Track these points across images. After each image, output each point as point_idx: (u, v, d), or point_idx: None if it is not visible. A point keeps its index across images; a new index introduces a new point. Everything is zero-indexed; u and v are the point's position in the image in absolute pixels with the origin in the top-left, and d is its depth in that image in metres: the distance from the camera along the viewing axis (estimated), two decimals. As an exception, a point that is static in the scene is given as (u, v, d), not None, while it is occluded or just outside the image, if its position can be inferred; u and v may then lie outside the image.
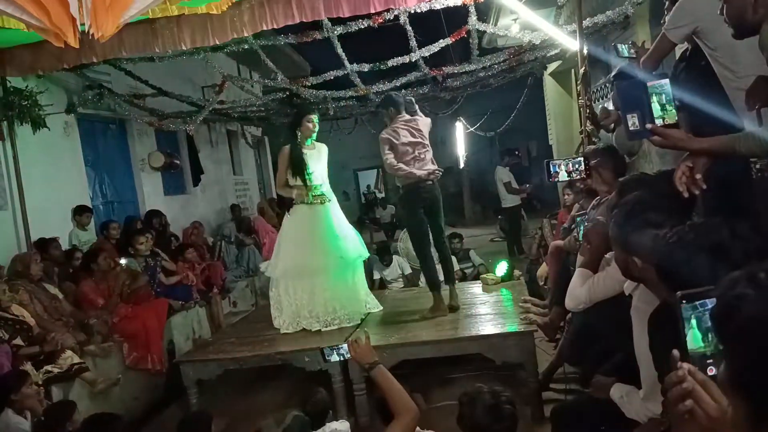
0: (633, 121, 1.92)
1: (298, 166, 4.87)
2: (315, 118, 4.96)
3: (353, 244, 5.09)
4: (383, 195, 17.35)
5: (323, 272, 4.87)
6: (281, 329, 4.87)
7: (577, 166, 3.34)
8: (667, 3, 2.80)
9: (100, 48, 4.75)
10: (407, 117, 4.88)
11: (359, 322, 4.87)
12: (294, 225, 4.99)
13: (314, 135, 4.96)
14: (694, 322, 1.14)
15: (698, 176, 1.99)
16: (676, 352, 1.11)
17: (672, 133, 1.94)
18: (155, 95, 7.24)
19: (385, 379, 2.51)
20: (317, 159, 4.99)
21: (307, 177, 4.87)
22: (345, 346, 2.63)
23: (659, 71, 3.06)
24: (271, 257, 5.21)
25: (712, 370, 1.10)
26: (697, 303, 1.14)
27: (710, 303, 1.12)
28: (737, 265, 1.39)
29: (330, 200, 5.01)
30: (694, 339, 1.14)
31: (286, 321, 4.88)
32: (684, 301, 1.15)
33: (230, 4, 3.83)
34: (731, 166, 2.26)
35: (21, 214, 5.60)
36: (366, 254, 5.29)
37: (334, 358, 2.71)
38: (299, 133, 4.93)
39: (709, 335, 1.13)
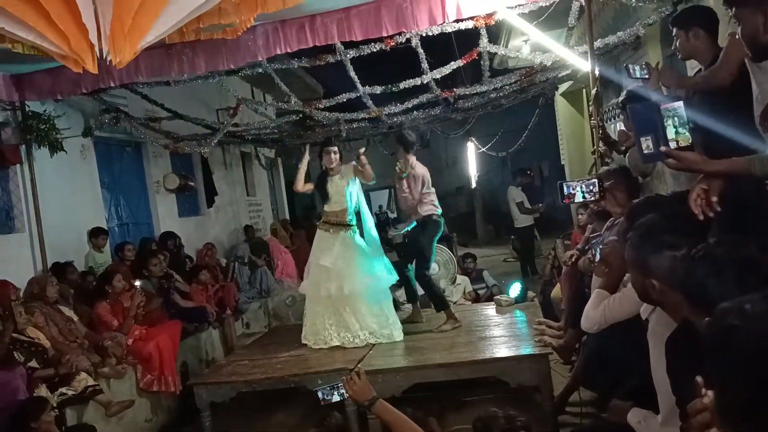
0: (647, 144, 1.92)
1: (321, 190, 5.20)
2: (332, 149, 5.19)
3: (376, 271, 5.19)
4: (395, 215, 17.39)
5: (339, 298, 5.01)
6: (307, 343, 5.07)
7: (590, 187, 3.33)
8: (675, 30, 2.81)
9: (117, 73, 4.85)
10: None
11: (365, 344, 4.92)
12: (316, 245, 5.25)
13: (333, 164, 5.16)
14: None
15: (714, 198, 1.98)
16: (699, 379, 1.09)
17: (686, 156, 1.94)
18: (171, 118, 7.32)
19: (388, 412, 2.41)
20: (338, 184, 5.15)
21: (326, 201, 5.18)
22: (342, 385, 2.52)
23: (673, 94, 3.06)
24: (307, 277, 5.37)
25: None
26: None
27: None
28: (766, 281, 1.39)
29: (352, 229, 5.16)
30: None
31: (307, 335, 5.09)
32: None
33: (245, 29, 3.89)
34: (745, 186, 2.25)
35: (38, 236, 5.66)
36: (392, 279, 5.31)
37: (335, 398, 2.53)
38: (322, 164, 5.22)
39: None
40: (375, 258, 5.22)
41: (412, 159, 5.25)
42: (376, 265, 5.17)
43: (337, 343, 4.92)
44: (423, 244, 5.28)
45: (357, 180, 5.19)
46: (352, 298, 4.99)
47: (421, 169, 5.29)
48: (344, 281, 4.98)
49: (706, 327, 1.04)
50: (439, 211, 5.32)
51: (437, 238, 5.39)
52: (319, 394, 2.52)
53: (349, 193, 5.16)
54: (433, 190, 5.35)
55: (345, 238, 5.12)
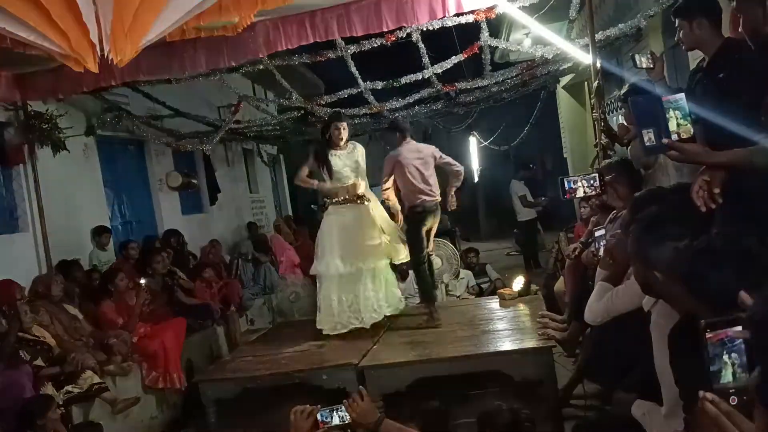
0: (649, 136, 1.91)
1: (326, 165, 5.01)
2: (342, 125, 5.07)
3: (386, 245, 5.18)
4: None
5: (360, 273, 5.00)
6: (323, 330, 5.01)
7: (591, 182, 3.33)
8: (677, 21, 2.79)
9: (118, 71, 4.85)
10: (413, 143, 5.19)
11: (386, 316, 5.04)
12: (329, 225, 5.12)
13: (341, 142, 5.06)
14: (726, 357, 1.15)
15: (716, 190, 1.98)
16: (701, 393, 1.14)
17: (689, 148, 1.93)
18: (172, 116, 7.33)
19: (397, 430, 2.29)
20: (347, 158, 5.07)
21: (335, 176, 5.02)
22: (343, 407, 2.34)
23: (674, 86, 3.05)
24: (316, 259, 5.25)
25: (734, 400, 1.12)
26: (725, 339, 1.15)
27: (739, 338, 1.15)
28: (766, 272, 1.40)
29: (368, 200, 5.12)
30: (725, 375, 1.16)
31: (325, 321, 5.02)
32: (709, 330, 1.15)
33: (245, 26, 3.89)
34: (747, 177, 2.24)
35: (41, 235, 5.68)
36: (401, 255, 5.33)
37: (335, 420, 2.33)
38: (329, 139, 5.08)
39: (740, 370, 1.15)
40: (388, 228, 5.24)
41: (411, 142, 5.22)
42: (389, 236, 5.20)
43: (358, 325, 4.90)
44: (408, 233, 5.26)
45: (363, 164, 5.16)
46: (370, 273, 5.00)
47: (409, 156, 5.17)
48: (364, 255, 4.97)
49: (754, 306, 1.07)
50: (429, 199, 5.16)
51: (422, 226, 5.20)
52: (319, 417, 2.33)
53: (360, 167, 5.10)
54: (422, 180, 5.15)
55: (361, 210, 5.07)
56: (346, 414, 2.29)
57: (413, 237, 5.20)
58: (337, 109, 6.18)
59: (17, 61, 4.45)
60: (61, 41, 2.80)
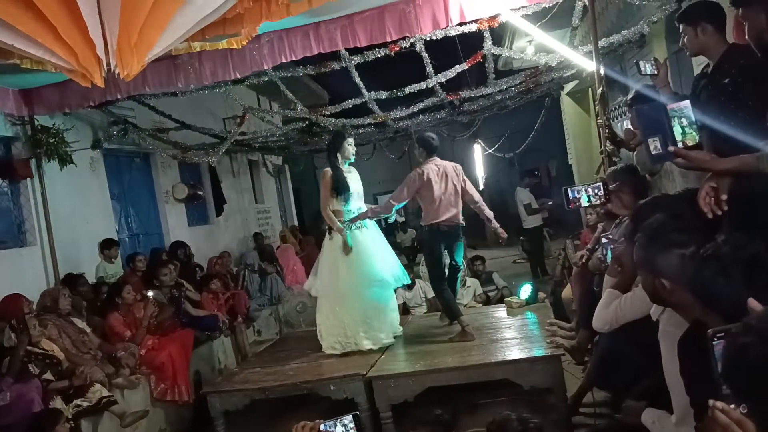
0: (655, 144, 1.91)
1: (343, 186, 4.95)
2: (352, 140, 5.12)
3: (391, 268, 5.16)
4: (404, 219, 17.40)
5: (360, 295, 4.93)
6: (325, 350, 4.92)
7: (596, 191, 3.31)
8: (681, 26, 2.79)
9: (124, 85, 4.90)
10: (438, 161, 5.04)
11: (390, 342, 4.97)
12: (334, 249, 5.01)
13: (353, 158, 5.06)
14: None
15: (723, 196, 1.97)
16: (711, 402, 1.15)
17: (695, 155, 1.93)
18: (178, 128, 7.37)
19: None
20: (356, 181, 5.10)
21: (348, 198, 4.98)
22: (349, 416, 2.22)
23: (678, 92, 3.04)
24: (312, 276, 5.23)
25: (744, 408, 1.12)
26: None
27: None
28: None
29: (366, 226, 5.07)
30: None
31: (328, 342, 4.93)
32: (716, 338, 1.16)
33: (249, 39, 3.91)
34: (754, 183, 2.24)
35: (49, 249, 5.71)
36: (406, 280, 5.37)
37: (339, 431, 2.21)
38: (340, 156, 5.01)
39: None
40: None
41: (437, 160, 5.05)
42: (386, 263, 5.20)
43: (371, 346, 4.84)
44: (424, 255, 5.27)
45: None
46: (388, 291, 5.04)
47: (430, 174, 5.00)
48: (382, 274, 4.98)
49: (722, 352, 1.09)
50: (440, 219, 4.98)
51: (440, 247, 5.03)
52: (322, 428, 2.25)
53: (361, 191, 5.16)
54: (435, 199, 4.95)
55: (373, 230, 5.11)
56: (351, 423, 2.22)
57: (429, 257, 5.17)
58: (339, 130, 6.17)
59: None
60: (68, 57, 2.82)
